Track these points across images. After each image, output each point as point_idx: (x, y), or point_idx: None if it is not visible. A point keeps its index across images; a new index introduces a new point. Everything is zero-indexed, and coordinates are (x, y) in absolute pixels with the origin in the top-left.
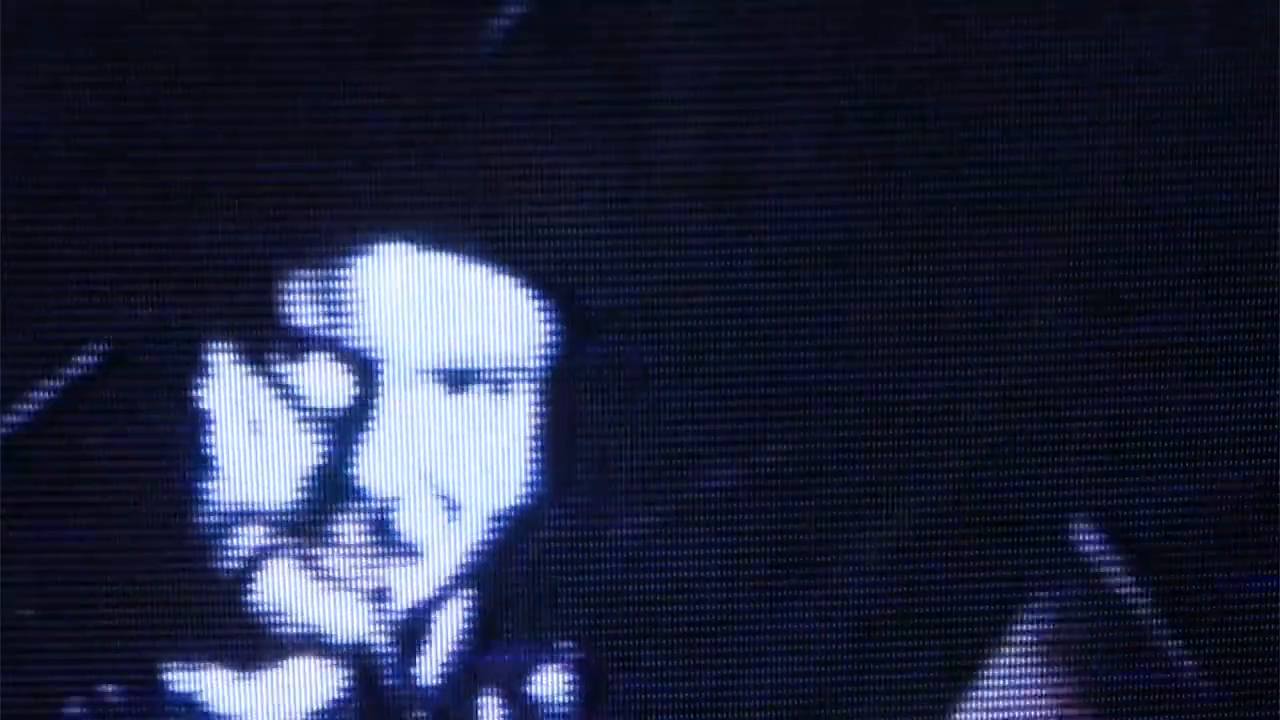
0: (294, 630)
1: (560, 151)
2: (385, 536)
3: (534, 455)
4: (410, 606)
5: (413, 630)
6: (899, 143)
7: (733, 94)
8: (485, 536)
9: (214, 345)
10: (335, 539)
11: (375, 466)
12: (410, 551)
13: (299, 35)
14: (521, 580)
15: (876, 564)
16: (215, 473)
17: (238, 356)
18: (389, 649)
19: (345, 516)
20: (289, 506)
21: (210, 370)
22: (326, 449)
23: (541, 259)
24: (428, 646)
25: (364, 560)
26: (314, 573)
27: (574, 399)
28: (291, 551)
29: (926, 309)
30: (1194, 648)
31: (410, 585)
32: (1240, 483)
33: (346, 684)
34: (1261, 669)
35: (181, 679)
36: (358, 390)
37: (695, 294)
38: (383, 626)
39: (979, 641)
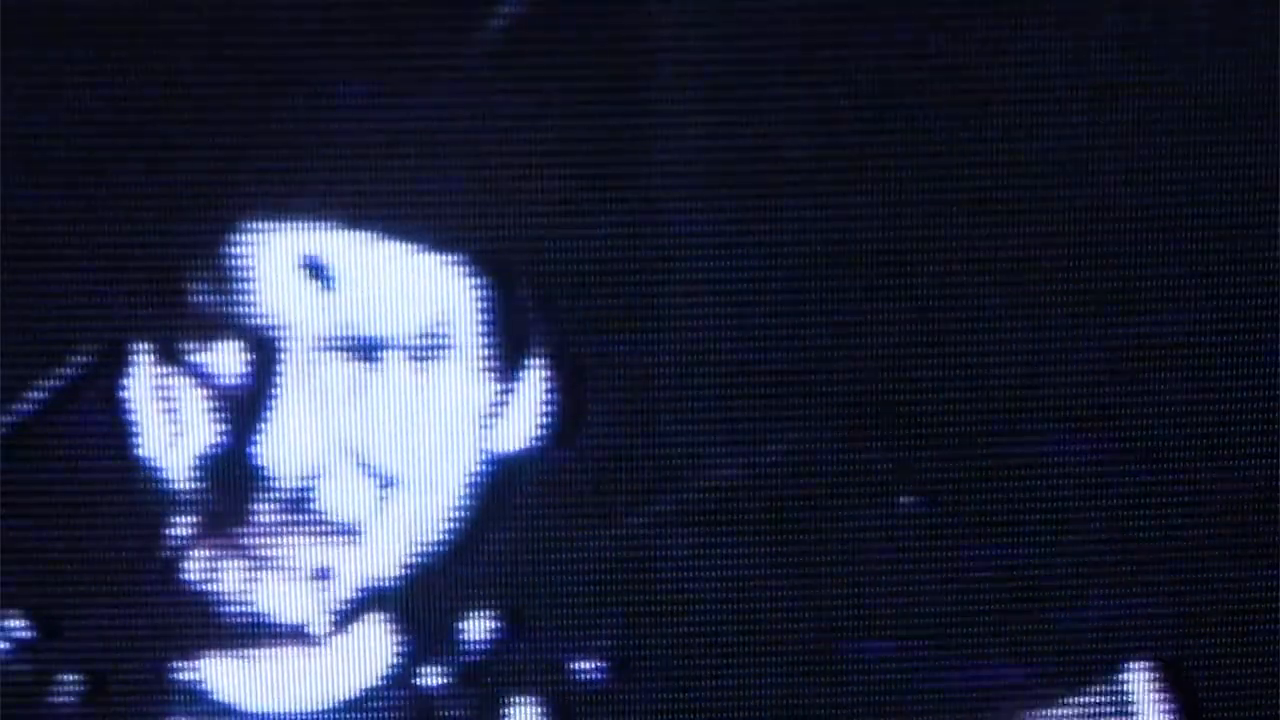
0: (240, 617)
1: (557, 151)
2: (308, 515)
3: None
4: (356, 586)
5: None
6: (899, 142)
7: (732, 93)
8: (453, 512)
9: (133, 339)
10: (258, 521)
11: (288, 445)
12: (346, 530)
13: (299, 35)
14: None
15: (876, 562)
16: (144, 465)
17: (151, 346)
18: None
19: (262, 497)
20: (209, 492)
21: (131, 365)
22: (234, 430)
23: (515, 250)
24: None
25: (294, 541)
26: (246, 558)
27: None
28: (220, 538)
29: (926, 309)
30: (1193, 647)
31: (352, 564)
32: (1241, 482)
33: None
34: (1261, 668)
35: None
36: (257, 368)
37: (694, 293)
38: (326, 608)
39: (980, 642)
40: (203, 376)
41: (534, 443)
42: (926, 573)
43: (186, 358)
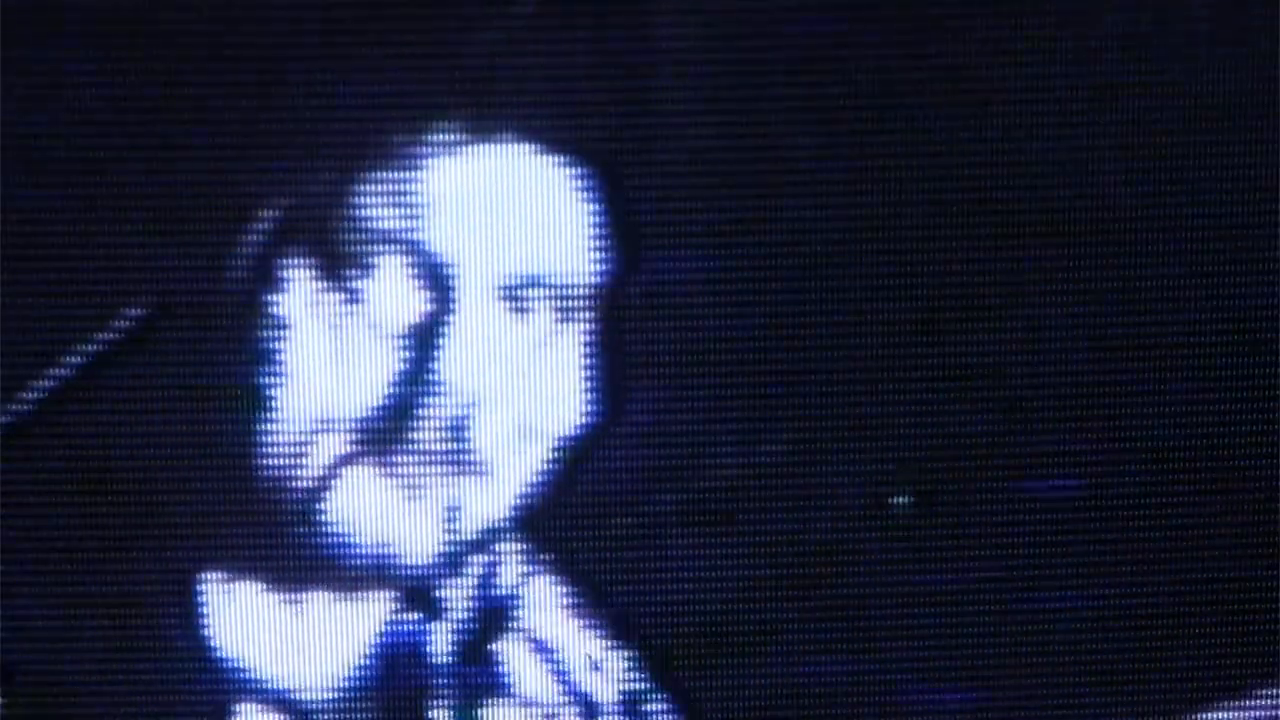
0: (366, 552)
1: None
2: (460, 446)
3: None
4: (479, 527)
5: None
6: (899, 142)
7: (732, 93)
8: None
9: (290, 259)
10: (412, 447)
11: (450, 377)
12: (479, 469)
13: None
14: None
15: (879, 557)
16: (291, 383)
17: (311, 267)
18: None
19: (422, 424)
20: (367, 416)
21: (283, 286)
22: (403, 359)
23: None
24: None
25: (438, 471)
26: (391, 481)
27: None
28: (369, 460)
29: (926, 309)
30: (1192, 647)
31: (479, 504)
32: (1242, 483)
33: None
34: (1261, 668)
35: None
36: (432, 302)
37: (695, 292)
38: (451, 548)
39: (982, 638)
40: (363, 300)
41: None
42: (926, 573)
43: (348, 279)
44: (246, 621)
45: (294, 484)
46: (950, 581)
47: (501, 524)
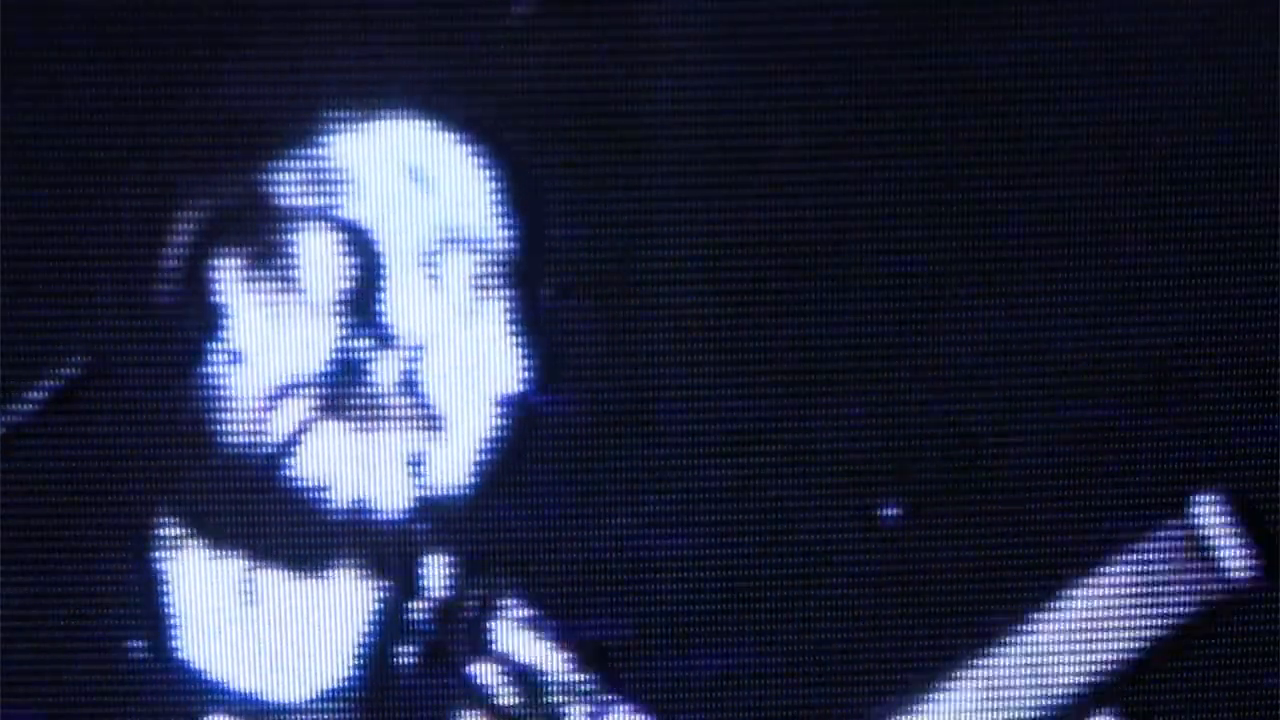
0: (340, 507)
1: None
2: (413, 392)
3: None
4: (443, 482)
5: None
6: (897, 141)
7: (732, 93)
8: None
9: (219, 249)
10: (368, 395)
11: (395, 333)
12: (435, 420)
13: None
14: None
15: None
16: (240, 360)
17: (241, 254)
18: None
19: (375, 370)
20: (319, 377)
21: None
22: (346, 318)
23: None
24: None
25: (398, 419)
26: (356, 434)
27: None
28: (329, 419)
29: (926, 308)
30: (1192, 647)
31: (440, 457)
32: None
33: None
34: (1261, 668)
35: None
36: (359, 267)
37: (693, 292)
38: (420, 500)
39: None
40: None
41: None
42: (919, 571)
43: (284, 255)
44: (217, 625)
45: (257, 454)
46: (946, 580)
47: (463, 480)
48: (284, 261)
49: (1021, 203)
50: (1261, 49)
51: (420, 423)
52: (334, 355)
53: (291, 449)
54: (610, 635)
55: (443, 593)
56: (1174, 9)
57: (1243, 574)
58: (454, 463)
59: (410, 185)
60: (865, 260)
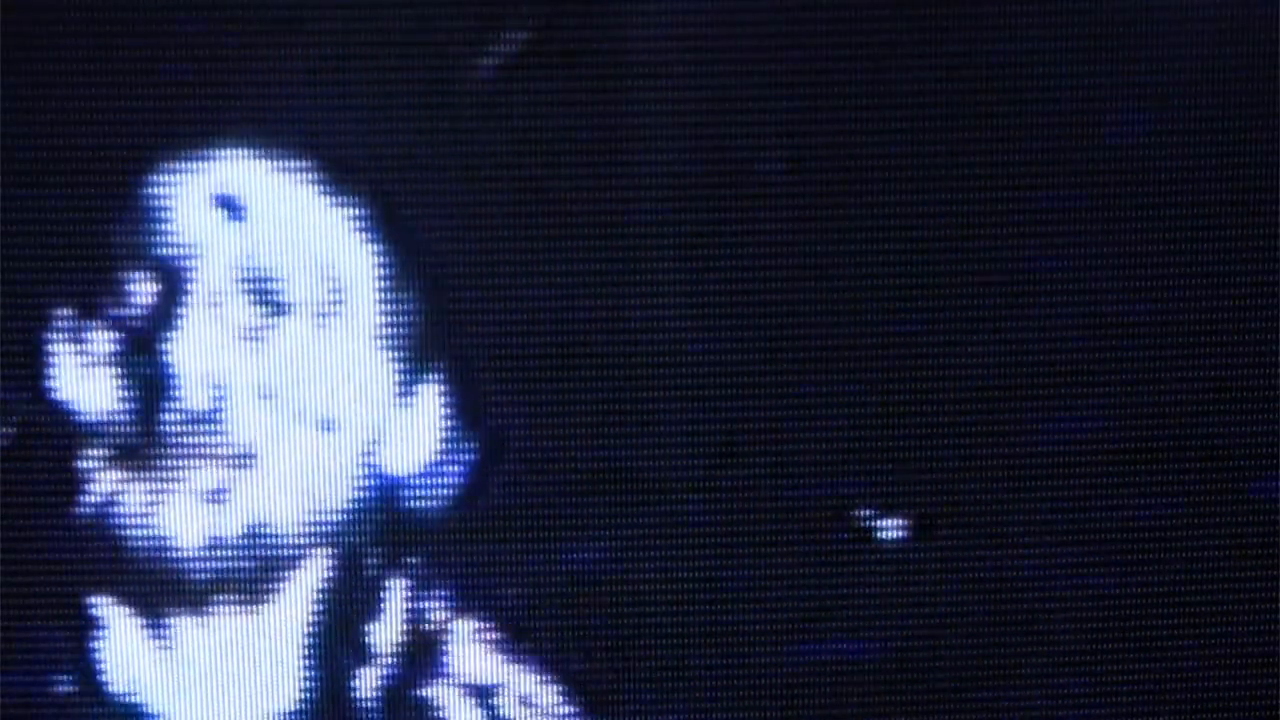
0: (146, 540)
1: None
2: (212, 437)
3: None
4: (252, 513)
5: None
6: (894, 143)
7: (732, 93)
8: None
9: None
10: (168, 440)
11: (192, 373)
12: (245, 455)
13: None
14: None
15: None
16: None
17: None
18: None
19: (171, 416)
20: (118, 417)
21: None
22: (142, 357)
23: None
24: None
25: (199, 459)
26: (153, 476)
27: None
28: (128, 460)
29: (925, 309)
30: (1191, 645)
31: (248, 489)
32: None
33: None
34: (1261, 668)
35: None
36: (164, 297)
37: (689, 301)
38: (228, 528)
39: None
40: (111, 311)
41: (429, 466)
42: (913, 581)
43: (99, 295)
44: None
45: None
46: (944, 591)
47: (279, 511)
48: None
49: (1021, 203)
50: (1261, 49)
51: (227, 460)
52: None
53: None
54: (578, 665)
55: (398, 616)
56: (1175, 8)
57: None
58: (261, 492)
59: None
60: (862, 264)
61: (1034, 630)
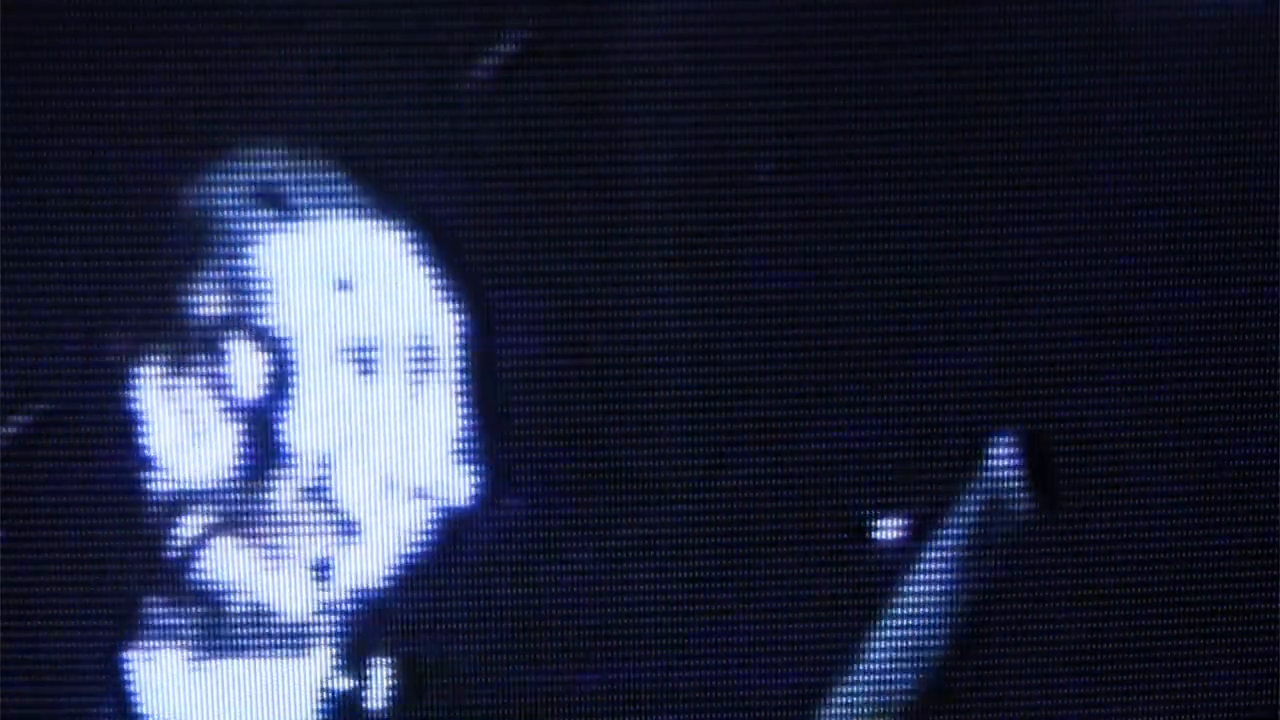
0: (244, 609)
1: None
2: (322, 505)
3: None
4: (355, 585)
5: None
6: (894, 143)
7: (732, 94)
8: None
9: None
10: (273, 510)
11: (303, 441)
12: (349, 527)
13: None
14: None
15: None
16: (156, 467)
17: (161, 356)
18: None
19: (280, 486)
20: (226, 486)
21: (138, 376)
22: (253, 428)
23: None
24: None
25: (304, 531)
26: (256, 547)
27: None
28: (233, 529)
29: (926, 309)
30: (1191, 644)
31: (352, 561)
32: (1242, 482)
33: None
34: (1261, 668)
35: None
36: (273, 371)
37: (689, 301)
38: (328, 602)
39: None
40: (216, 380)
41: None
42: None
43: (199, 363)
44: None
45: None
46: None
47: (382, 582)
48: (201, 369)
49: (1021, 203)
50: (1261, 49)
51: (331, 529)
52: (241, 464)
53: (195, 557)
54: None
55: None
56: (1176, 10)
57: None
58: (368, 566)
59: (335, 292)
60: (863, 265)
61: (1034, 630)
